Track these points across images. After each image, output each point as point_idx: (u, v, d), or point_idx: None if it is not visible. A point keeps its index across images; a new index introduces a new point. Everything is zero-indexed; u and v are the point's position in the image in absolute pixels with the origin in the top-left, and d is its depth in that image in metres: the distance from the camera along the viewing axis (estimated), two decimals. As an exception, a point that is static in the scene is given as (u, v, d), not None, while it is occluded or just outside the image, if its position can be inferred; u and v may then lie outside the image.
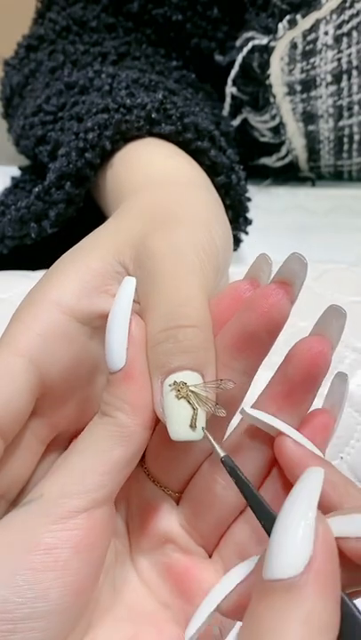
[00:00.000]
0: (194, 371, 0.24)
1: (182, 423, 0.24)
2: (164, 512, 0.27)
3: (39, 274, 0.43)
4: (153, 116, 0.42)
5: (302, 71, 0.55)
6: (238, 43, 0.55)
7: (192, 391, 0.24)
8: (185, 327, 0.25)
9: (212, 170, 0.42)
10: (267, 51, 0.54)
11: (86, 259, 0.28)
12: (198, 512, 0.27)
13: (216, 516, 0.27)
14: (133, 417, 0.24)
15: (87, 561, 0.23)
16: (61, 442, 0.29)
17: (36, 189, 0.44)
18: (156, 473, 0.27)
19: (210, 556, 0.27)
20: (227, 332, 0.25)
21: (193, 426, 0.24)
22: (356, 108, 0.57)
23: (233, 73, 0.56)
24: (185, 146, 0.42)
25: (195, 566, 0.27)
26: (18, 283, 0.41)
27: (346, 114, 0.58)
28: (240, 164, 0.46)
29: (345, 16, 0.52)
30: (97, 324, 0.28)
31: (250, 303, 0.24)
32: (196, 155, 0.42)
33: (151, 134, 0.42)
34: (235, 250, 0.47)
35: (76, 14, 0.56)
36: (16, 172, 0.56)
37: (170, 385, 0.24)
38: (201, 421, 0.24)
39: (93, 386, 0.29)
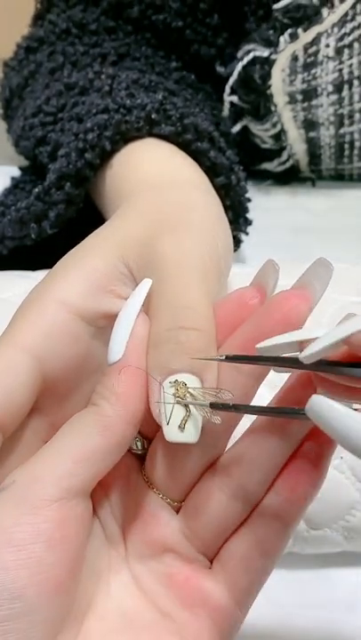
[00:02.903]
0: (193, 374, 0.24)
1: (178, 425, 0.24)
2: (164, 520, 0.27)
3: (39, 274, 0.43)
4: (153, 116, 0.42)
5: (303, 81, 0.55)
6: (239, 54, 0.56)
7: (190, 393, 0.24)
8: (187, 329, 0.24)
9: (211, 171, 0.42)
10: (268, 62, 0.54)
11: (91, 258, 0.28)
12: (201, 520, 0.26)
13: (220, 525, 0.26)
14: (117, 407, 0.24)
15: (62, 556, 0.23)
16: None
17: (36, 190, 0.44)
18: (156, 481, 0.27)
19: (210, 564, 0.27)
20: (240, 334, 0.25)
21: (182, 427, 0.23)
22: (357, 115, 0.57)
23: (231, 81, 0.56)
24: (185, 147, 0.42)
25: (196, 575, 0.26)
26: (18, 283, 0.41)
27: (347, 121, 0.58)
28: (240, 165, 0.46)
29: (346, 29, 0.52)
30: (101, 324, 0.27)
31: (268, 306, 0.24)
32: (196, 155, 0.42)
33: (151, 135, 0.42)
34: (235, 250, 0.47)
35: (76, 17, 0.56)
36: (16, 172, 0.56)
37: (170, 382, 0.24)
38: (197, 425, 0.24)
39: (94, 386, 0.28)
